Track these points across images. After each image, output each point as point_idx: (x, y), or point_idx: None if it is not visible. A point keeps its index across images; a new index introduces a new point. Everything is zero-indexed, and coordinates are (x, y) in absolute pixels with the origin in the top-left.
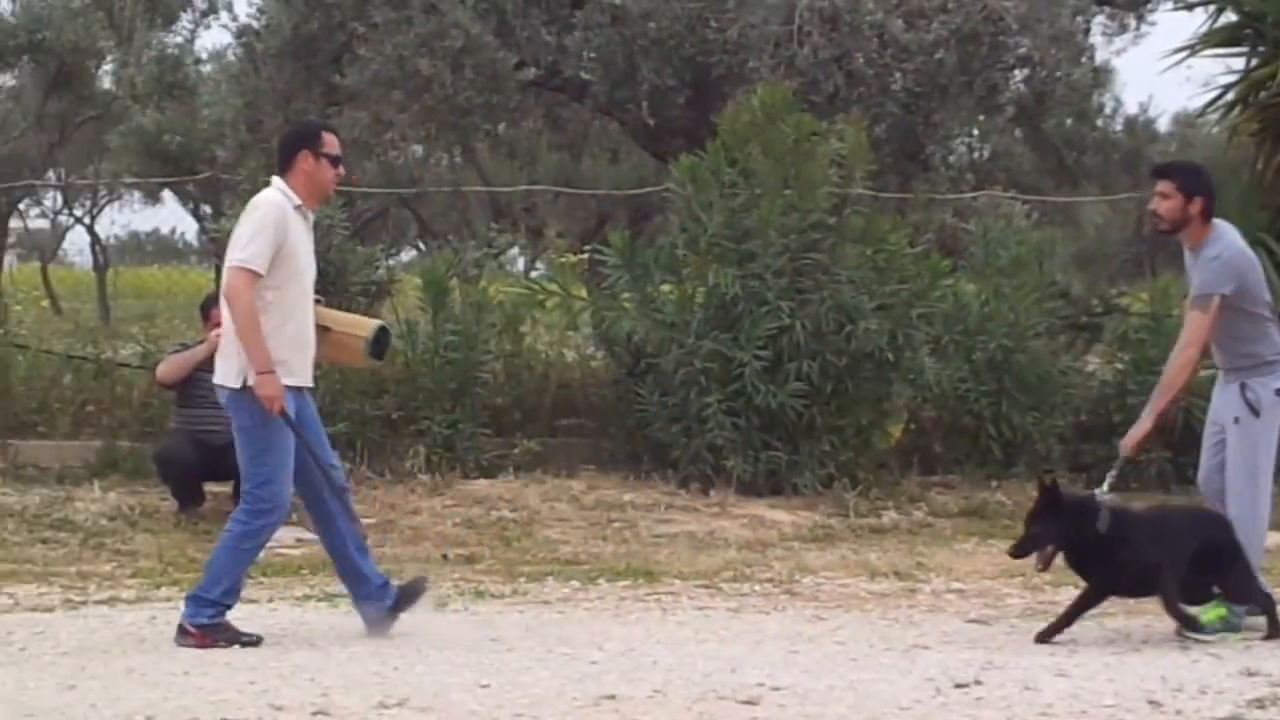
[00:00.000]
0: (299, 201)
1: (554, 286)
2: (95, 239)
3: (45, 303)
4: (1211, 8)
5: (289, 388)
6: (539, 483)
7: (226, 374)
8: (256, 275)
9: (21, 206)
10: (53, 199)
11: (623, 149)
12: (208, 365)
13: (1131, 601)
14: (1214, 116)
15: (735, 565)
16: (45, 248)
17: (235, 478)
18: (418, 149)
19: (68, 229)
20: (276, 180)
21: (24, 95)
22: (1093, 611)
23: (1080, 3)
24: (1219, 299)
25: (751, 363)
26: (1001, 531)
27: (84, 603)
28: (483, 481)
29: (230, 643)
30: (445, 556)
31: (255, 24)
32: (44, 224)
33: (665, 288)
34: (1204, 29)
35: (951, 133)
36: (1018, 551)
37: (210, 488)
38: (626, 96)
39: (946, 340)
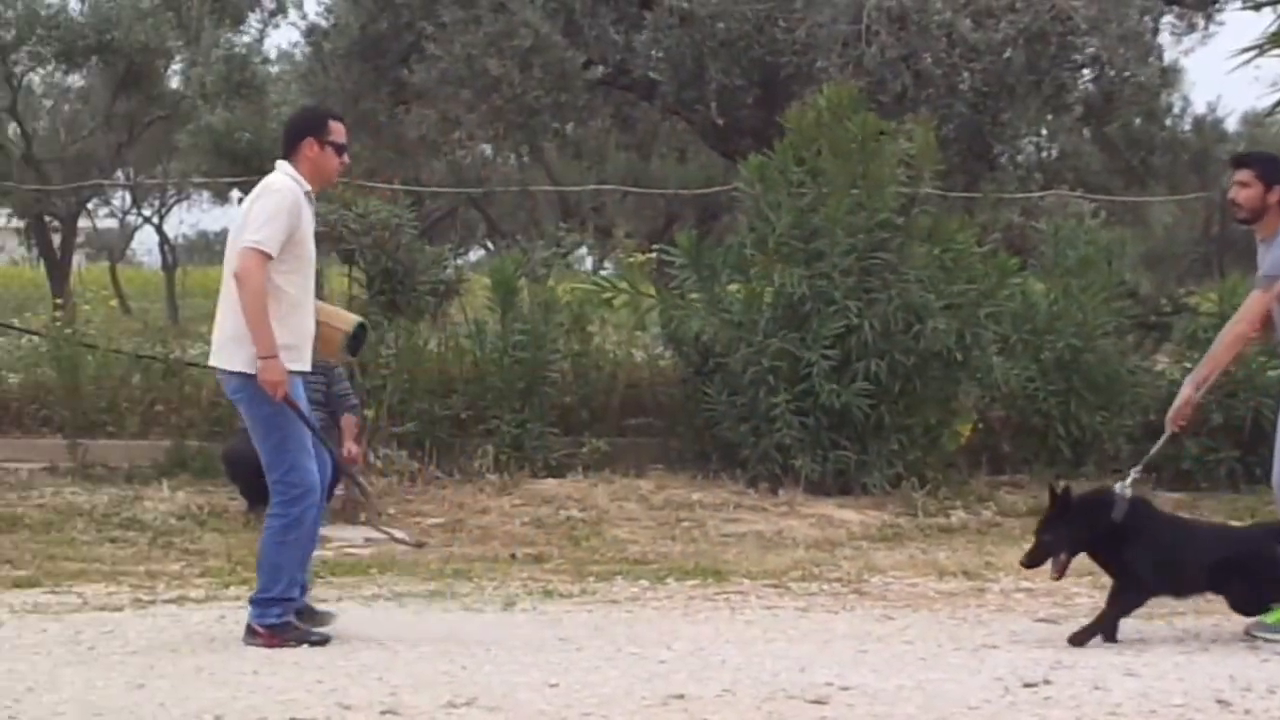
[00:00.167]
0: (308, 187)
1: (623, 285)
2: (164, 238)
3: (114, 302)
4: None
5: (293, 372)
6: (607, 482)
7: (235, 359)
8: (269, 258)
9: (90, 206)
10: (121, 198)
11: (691, 148)
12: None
13: (1200, 601)
14: None
15: (803, 564)
16: (114, 247)
17: None
18: (486, 148)
19: (136, 228)
20: (283, 164)
21: (93, 95)
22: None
23: (1148, 2)
24: None
25: (819, 362)
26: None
27: (152, 602)
28: (551, 481)
29: (299, 642)
30: (514, 556)
31: (324, 23)
32: (113, 224)
33: (733, 287)
34: (1272, 28)
35: (1019, 132)
36: (1029, 561)
37: None
38: (695, 96)
39: (1015, 339)
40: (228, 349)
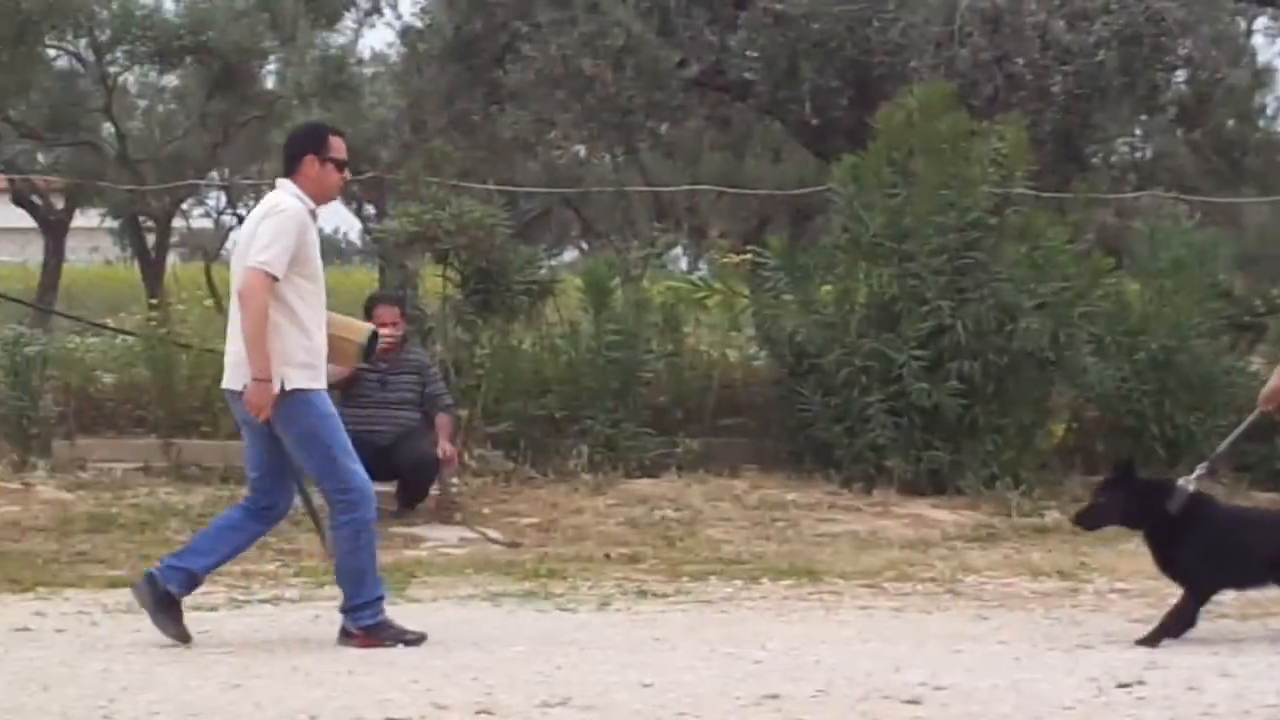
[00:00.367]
0: (312, 205)
1: (717, 285)
2: None
3: (209, 302)
4: None
5: (319, 390)
6: (701, 482)
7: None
8: (274, 279)
9: (185, 206)
10: (216, 198)
11: (785, 149)
12: (372, 365)
13: None
14: None
15: (898, 564)
16: (208, 247)
17: (399, 477)
18: (580, 149)
19: (231, 228)
20: (286, 183)
21: (187, 96)
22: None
23: (1241, 4)
24: None
25: (910, 362)
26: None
27: (248, 602)
28: (645, 481)
29: (395, 640)
30: (608, 556)
31: (418, 24)
32: (207, 223)
33: (826, 288)
34: None
35: (1111, 134)
36: (1079, 519)
37: (374, 487)
38: (789, 96)
39: (1109, 340)
40: (240, 370)
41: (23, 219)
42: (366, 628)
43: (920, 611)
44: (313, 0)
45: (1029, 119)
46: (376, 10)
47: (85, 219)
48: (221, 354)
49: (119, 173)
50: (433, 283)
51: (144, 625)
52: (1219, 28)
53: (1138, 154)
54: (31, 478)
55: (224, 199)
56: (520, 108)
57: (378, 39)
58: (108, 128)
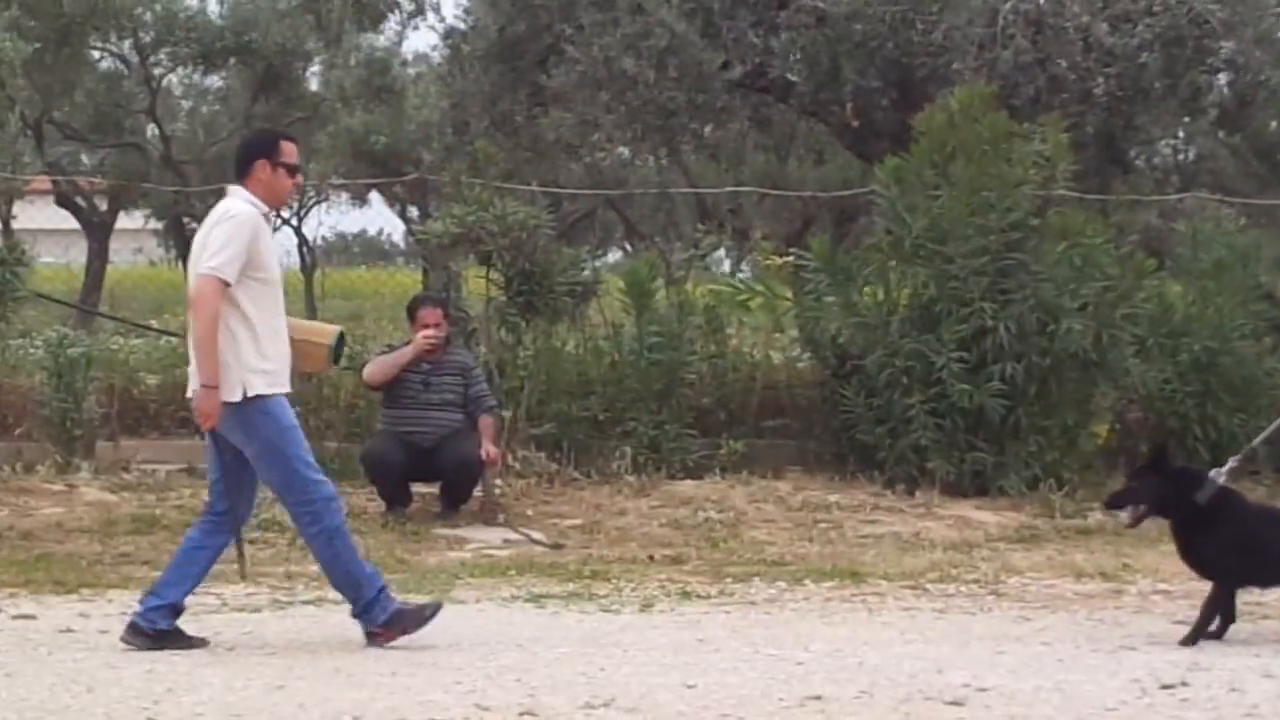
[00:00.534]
0: (265, 209)
1: (760, 287)
2: (303, 240)
3: None
4: None
5: (279, 395)
6: (745, 484)
7: (222, 389)
8: (226, 284)
9: None
10: None
11: (828, 150)
12: (414, 366)
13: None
14: None
15: (941, 566)
16: None
17: (442, 478)
18: (624, 150)
19: (275, 230)
20: (237, 189)
21: (231, 97)
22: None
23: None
24: None
25: (949, 364)
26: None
27: (291, 603)
28: (689, 482)
29: (416, 623)
30: (651, 557)
31: (462, 25)
32: None
33: (869, 289)
34: None
35: (1154, 136)
36: (1112, 500)
37: (417, 488)
38: (831, 98)
39: (1151, 342)
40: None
41: (67, 220)
42: (385, 624)
43: (963, 613)
44: (357, 2)
45: (1071, 121)
46: (420, 12)
47: (129, 220)
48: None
49: (163, 174)
50: (476, 284)
51: (188, 627)
52: (1262, 29)
53: (1180, 156)
54: (75, 479)
55: None
56: (564, 109)
57: (421, 41)
58: (151, 129)
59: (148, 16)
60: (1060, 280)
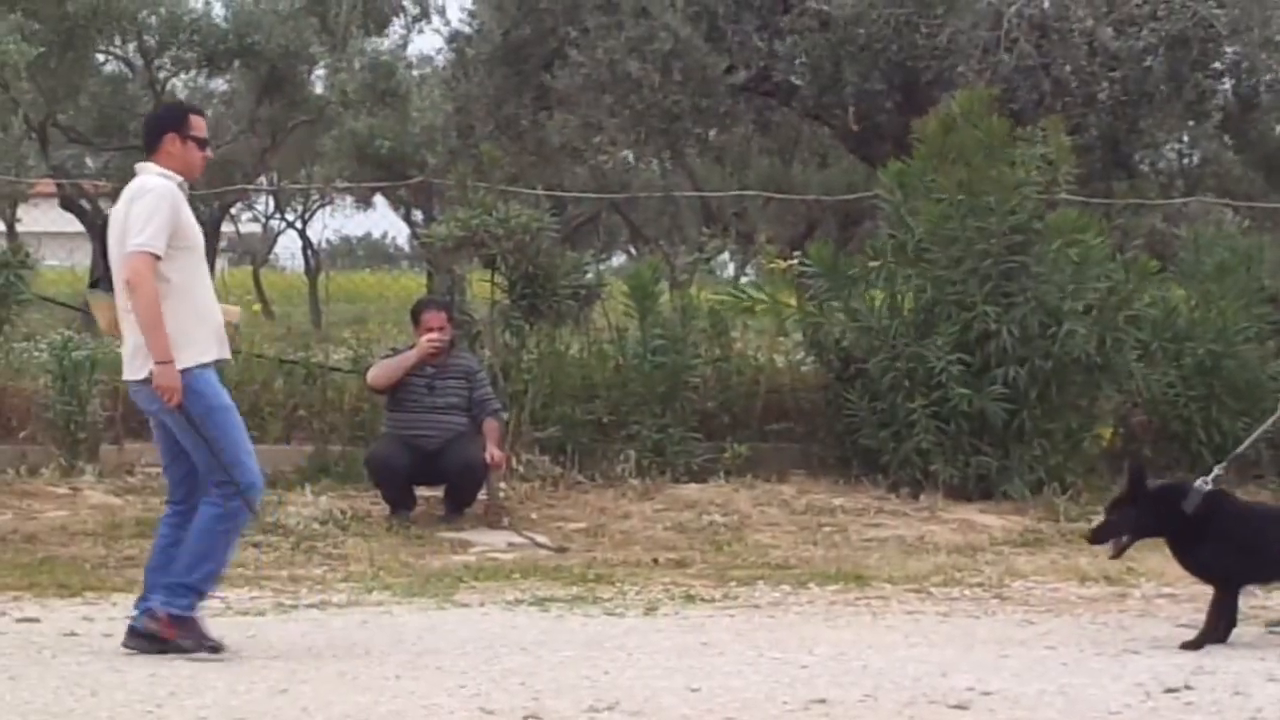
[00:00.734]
0: (180, 179)
1: (762, 294)
2: (307, 243)
3: (257, 307)
4: None
5: (206, 365)
6: (749, 487)
7: (147, 368)
8: (157, 258)
9: (234, 211)
10: (265, 203)
11: (832, 154)
12: (419, 370)
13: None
14: None
15: (945, 569)
16: (257, 252)
17: (446, 482)
18: (628, 154)
19: (279, 233)
20: (147, 165)
21: (236, 100)
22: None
23: None
24: None
25: (948, 368)
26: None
27: (295, 607)
28: (693, 486)
29: (194, 645)
30: (655, 561)
31: (467, 29)
32: (256, 228)
33: (873, 293)
34: None
35: (1158, 140)
36: (1094, 536)
37: (421, 492)
38: (835, 101)
39: (1155, 346)
40: (139, 358)
41: (71, 223)
42: (175, 616)
43: (967, 616)
44: (361, 5)
45: (1074, 124)
46: (425, 16)
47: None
48: (268, 359)
49: None
50: (480, 287)
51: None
52: (1267, 32)
53: (1185, 160)
54: (79, 482)
55: (272, 204)
56: (568, 112)
57: (426, 44)
58: None
59: (152, 20)
60: (1062, 283)
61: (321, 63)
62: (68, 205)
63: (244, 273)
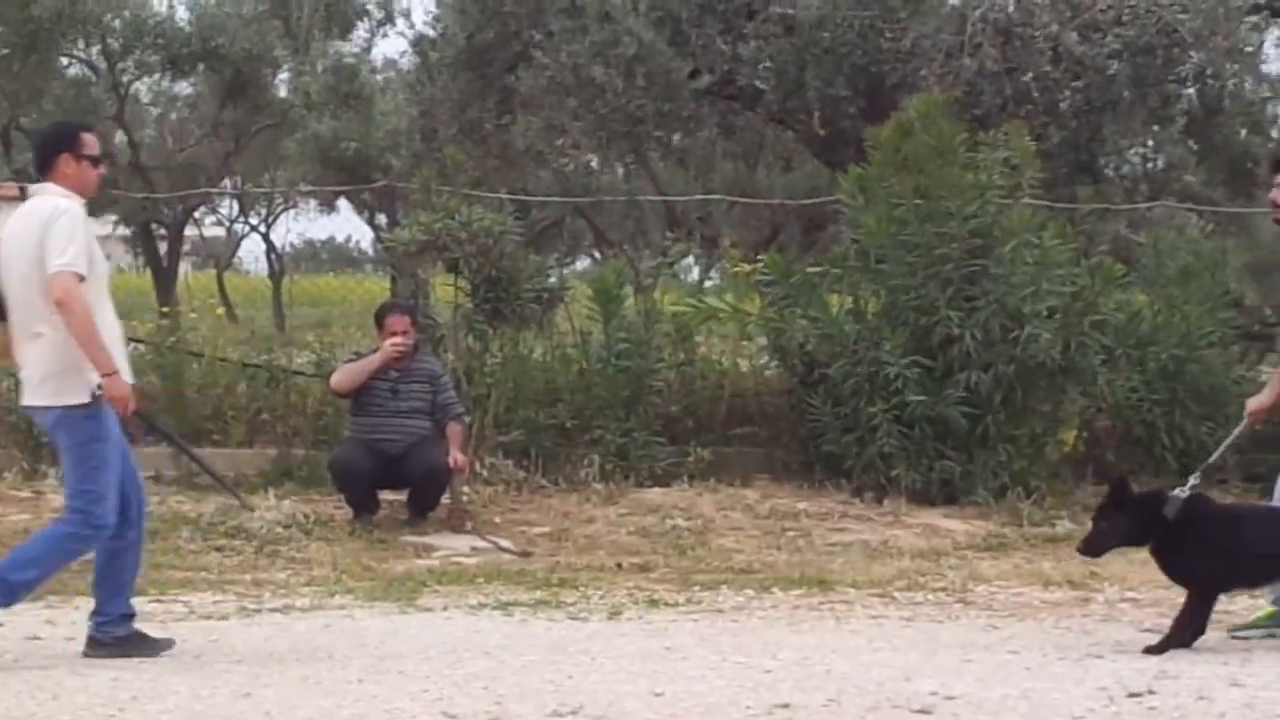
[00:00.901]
0: (80, 200)
1: (723, 302)
2: (271, 246)
3: (220, 310)
4: None
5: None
6: (713, 491)
7: (56, 393)
8: (82, 278)
9: (197, 214)
10: (228, 206)
11: (797, 158)
12: (382, 374)
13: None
14: None
15: (909, 574)
16: (221, 255)
17: (410, 486)
18: (592, 158)
19: (243, 236)
20: (47, 185)
21: (200, 103)
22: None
23: (1255, 15)
24: None
25: (906, 372)
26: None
27: (258, 611)
28: (657, 490)
29: None
30: (619, 565)
31: (431, 33)
32: (219, 231)
33: (835, 298)
34: None
35: (1122, 145)
36: (1086, 547)
37: (384, 496)
38: (799, 106)
39: (1119, 351)
40: (48, 385)
41: None
42: None
43: (931, 621)
44: (325, 9)
45: (1039, 129)
46: (389, 19)
47: (98, 227)
48: (231, 363)
49: (131, 180)
50: (444, 291)
51: (155, 634)
52: (1232, 38)
53: (1149, 165)
54: (42, 485)
55: (236, 207)
56: (532, 116)
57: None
58: (120, 135)
59: (116, 23)
60: (1023, 285)
61: (285, 66)
62: None
63: (208, 276)
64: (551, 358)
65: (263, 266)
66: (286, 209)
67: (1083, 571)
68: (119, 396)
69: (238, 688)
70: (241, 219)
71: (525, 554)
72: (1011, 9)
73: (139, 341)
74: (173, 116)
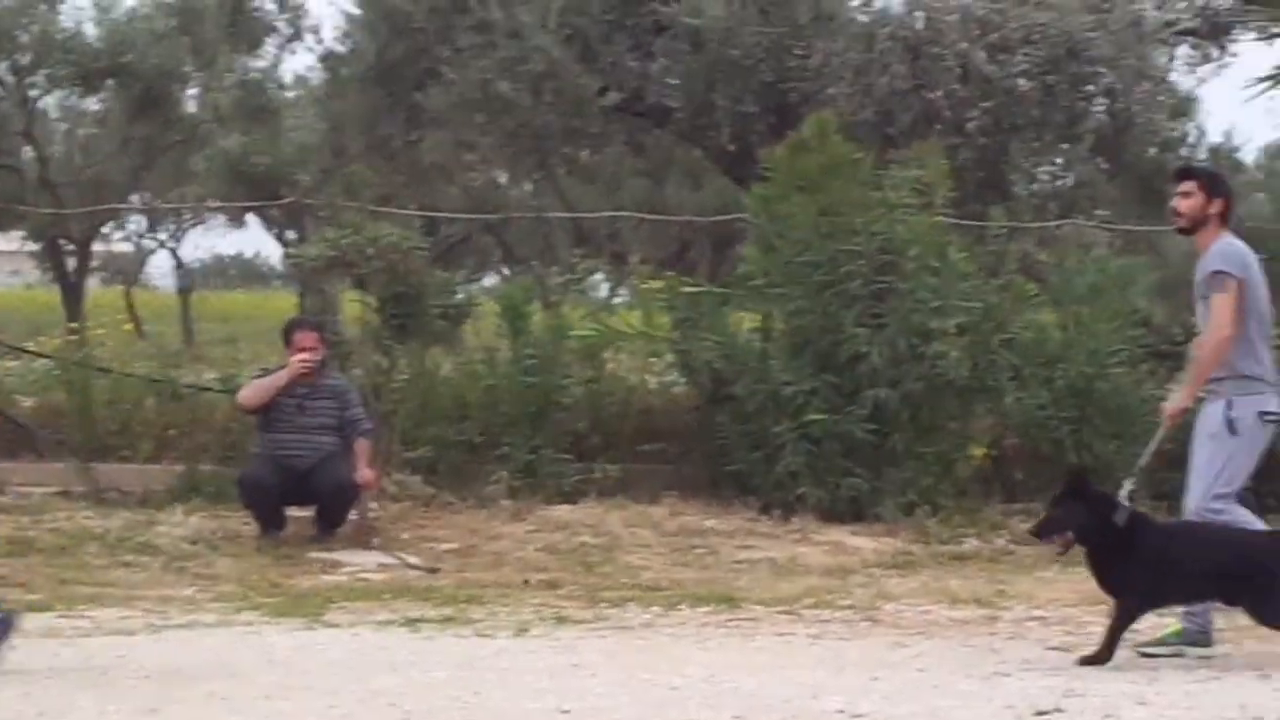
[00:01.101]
0: None
1: (628, 324)
2: (179, 262)
3: (128, 326)
4: None
5: None
6: (620, 508)
7: None
8: None
9: (105, 230)
10: (137, 222)
11: (706, 175)
12: (290, 390)
13: (1221, 623)
14: None
15: (816, 591)
16: (129, 271)
17: (318, 502)
18: (500, 175)
19: (152, 252)
20: None
21: (109, 119)
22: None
23: (1163, 33)
24: (1235, 281)
25: (822, 390)
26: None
27: (166, 626)
28: (564, 507)
29: None
30: (527, 582)
31: (340, 49)
32: (128, 247)
33: (741, 316)
34: None
35: (1031, 163)
36: (1038, 531)
37: (292, 512)
38: (708, 123)
39: (1027, 371)
40: None
41: None
42: None
43: (838, 639)
44: (234, 25)
45: (949, 147)
46: (298, 35)
47: (5, 243)
48: (139, 379)
49: (39, 196)
50: (352, 307)
51: (62, 651)
52: (1141, 57)
53: (1059, 183)
54: None
55: (145, 223)
56: (440, 132)
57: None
58: (28, 151)
59: (24, 38)
60: (927, 300)
61: (194, 82)
62: None
63: (115, 292)
64: (459, 374)
65: (171, 282)
66: (195, 225)
67: (990, 590)
68: None
69: (144, 704)
70: (150, 235)
71: (433, 570)
72: (920, 27)
73: (46, 357)
74: (81, 132)
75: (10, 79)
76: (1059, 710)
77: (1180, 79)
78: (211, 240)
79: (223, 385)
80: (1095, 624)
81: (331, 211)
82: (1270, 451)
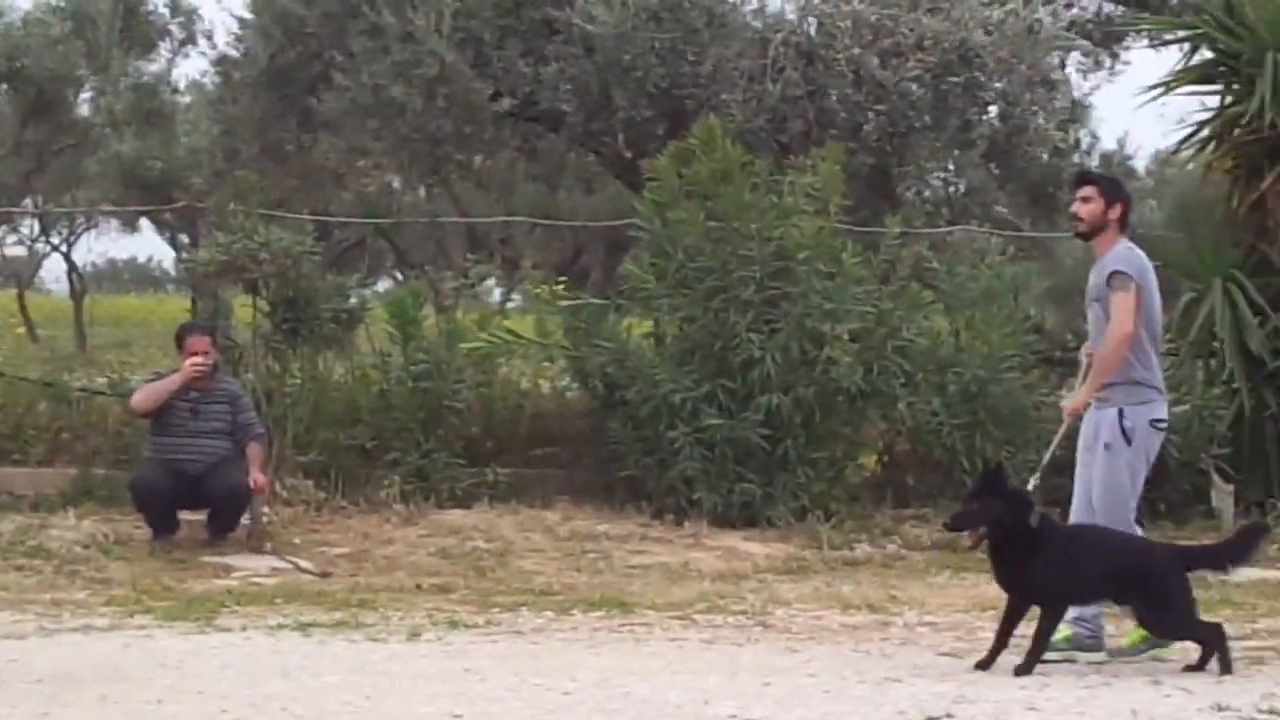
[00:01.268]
0: None
1: (518, 334)
2: (72, 266)
3: (21, 330)
4: (1185, 45)
5: None
6: (513, 513)
7: None
8: None
9: None
10: (30, 226)
11: (599, 180)
12: (182, 394)
13: (1111, 629)
14: (1189, 153)
15: (709, 597)
16: (21, 275)
17: (210, 506)
18: (393, 179)
19: (45, 256)
20: None
21: (2, 123)
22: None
23: (1056, 40)
24: (1134, 283)
25: (706, 397)
26: (975, 565)
27: (57, 630)
28: (457, 512)
29: None
30: (419, 586)
31: (233, 53)
32: (20, 251)
33: (633, 321)
34: (1179, 66)
35: (924, 169)
36: (954, 523)
37: (184, 516)
38: (603, 128)
39: (919, 376)
40: None
41: None
42: None
43: (730, 644)
44: (127, 29)
45: (842, 153)
46: (191, 40)
47: None
48: (31, 382)
49: None
50: (244, 312)
51: None
52: (1034, 64)
53: (951, 189)
54: None
55: (37, 227)
56: (333, 136)
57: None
58: None
59: None
60: (821, 305)
61: (87, 85)
62: None
63: (8, 296)
64: (351, 378)
65: (64, 286)
66: (88, 229)
67: (882, 595)
68: None
69: (36, 708)
70: (43, 238)
71: (325, 575)
72: (813, 32)
73: None
74: None
75: None
76: (949, 716)
77: (1073, 86)
78: (105, 244)
79: (115, 389)
80: (986, 629)
81: (220, 216)
82: (1159, 459)
